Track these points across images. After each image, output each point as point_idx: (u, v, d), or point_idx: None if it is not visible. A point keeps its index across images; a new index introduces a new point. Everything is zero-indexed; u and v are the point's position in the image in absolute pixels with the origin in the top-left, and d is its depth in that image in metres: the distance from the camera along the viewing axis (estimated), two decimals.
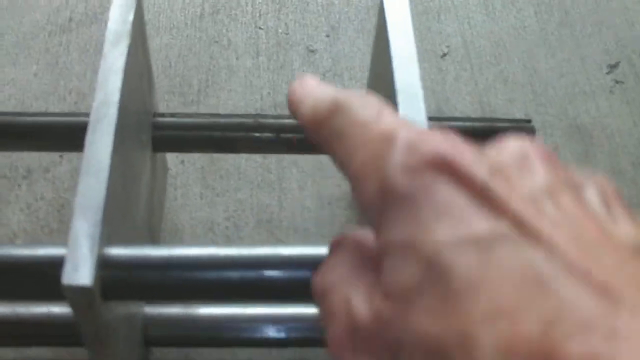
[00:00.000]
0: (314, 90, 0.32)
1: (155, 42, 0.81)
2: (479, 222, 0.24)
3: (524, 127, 0.62)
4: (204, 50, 0.82)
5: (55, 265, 0.40)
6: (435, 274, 0.23)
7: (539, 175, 0.25)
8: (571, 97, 0.80)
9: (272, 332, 0.58)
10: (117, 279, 0.42)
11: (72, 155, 0.72)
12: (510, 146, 0.26)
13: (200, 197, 0.70)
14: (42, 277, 0.43)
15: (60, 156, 0.72)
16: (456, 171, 0.25)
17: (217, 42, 0.82)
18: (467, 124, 0.62)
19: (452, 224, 0.24)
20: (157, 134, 0.59)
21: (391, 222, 0.25)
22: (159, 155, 0.63)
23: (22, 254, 0.44)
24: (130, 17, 0.52)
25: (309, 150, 0.62)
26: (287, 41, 0.83)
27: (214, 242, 0.68)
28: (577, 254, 0.22)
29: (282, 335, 0.58)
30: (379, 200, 0.26)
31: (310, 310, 0.57)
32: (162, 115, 0.60)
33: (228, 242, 0.68)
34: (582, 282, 0.21)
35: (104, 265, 0.42)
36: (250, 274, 0.43)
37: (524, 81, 0.81)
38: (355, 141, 0.28)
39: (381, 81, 0.55)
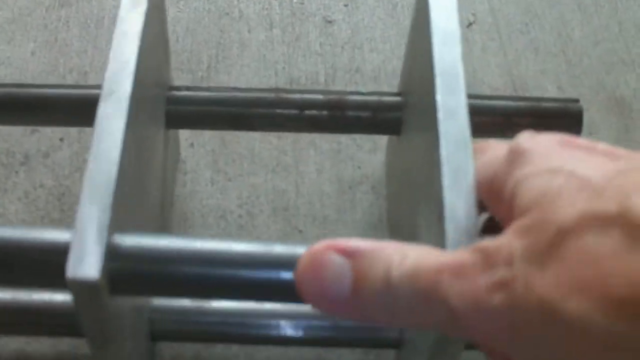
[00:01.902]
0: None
1: None
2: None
3: (571, 107, 0.57)
4: (213, 24, 0.76)
5: (60, 252, 0.36)
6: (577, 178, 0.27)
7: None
8: (609, 67, 0.75)
9: (290, 330, 0.53)
10: (126, 272, 0.38)
11: (73, 139, 0.67)
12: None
13: (211, 182, 0.65)
14: (44, 264, 0.39)
15: (61, 140, 0.67)
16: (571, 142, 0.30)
17: (227, 14, 0.77)
18: (510, 103, 0.57)
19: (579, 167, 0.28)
20: (171, 109, 0.55)
21: (520, 164, 0.30)
22: (171, 132, 0.58)
23: (23, 237, 0.39)
24: None
25: (334, 129, 0.57)
26: (302, 11, 0.77)
27: (227, 232, 0.63)
28: None
29: (300, 333, 0.53)
30: (506, 159, 0.31)
31: None
32: (178, 88, 0.56)
33: (242, 231, 0.63)
34: None
35: (113, 256, 0.37)
36: (274, 274, 0.38)
37: (556, 50, 0.76)
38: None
39: (419, 59, 0.50)
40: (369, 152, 0.67)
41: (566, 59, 0.75)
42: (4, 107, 0.56)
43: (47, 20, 0.76)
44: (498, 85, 0.73)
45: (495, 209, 0.33)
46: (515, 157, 0.30)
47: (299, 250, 0.38)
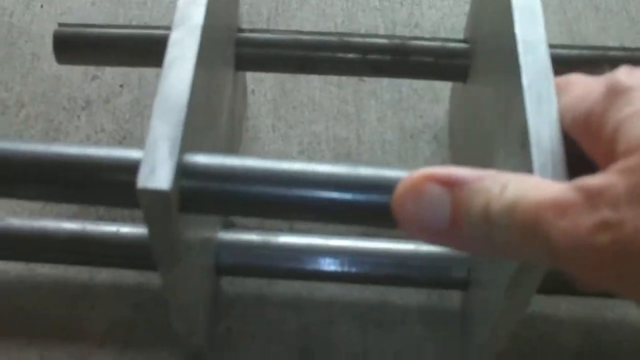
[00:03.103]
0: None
1: None
2: None
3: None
4: None
5: (132, 170, 0.36)
6: None
7: None
8: None
9: (354, 267, 0.53)
10: (196, 189, 0.37)
11: (133, 85, 0.67)
12: None
13: (273, 129, 0.65)
14: (116, 182, 0.39)
15: (121, 86, 0.67)
16: None
17: None
18: (571, 52, 0.56)
19: None
20: (239, 51, 0.55)
21: (621, 103, 0.29)
22: (240, 76, 0.58)
23: (95, 154, 0.39)
24: None
25: (397, 74, 0.57)
26: None
27: None
28: None
29: (364, 269, 0.53)
30: (604, 96, 0.30)
31: (400, 246, 0.52)
32: (245, 30, 0.56)
33: None
34: None
35: (183, 172, 0.37)
36: (347, 195, 0.37)
37: (618, 8, 0.75)
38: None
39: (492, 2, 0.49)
40: (431, 102, 0.67)
41: (629, 17, 0.74)
42: (71, 46, 0.57)
43: None
44: (558, 43, 0.72)
45: (590, 147, 0.32)
46: (615, 95, 0.30)
47: (380, 172, 0.37)
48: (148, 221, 0.36)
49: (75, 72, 0.68)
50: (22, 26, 0.72)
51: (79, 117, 0.66)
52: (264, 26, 0.72)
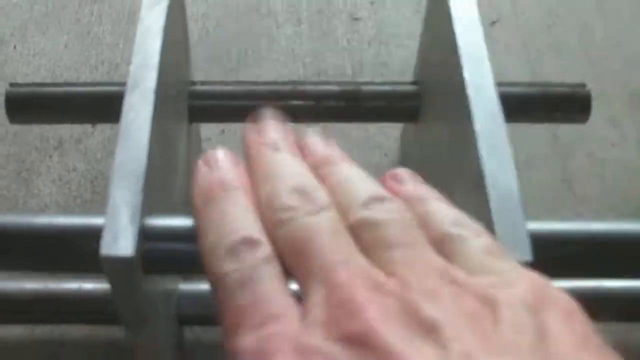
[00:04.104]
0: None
1: (192, 11, 0.77)
2: None
3: (578, 92, 0.58)
4: (242, 19, 0.78)
5: (93, 236, 0.36)
6: None
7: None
8: (632, 66, 0.76)
9: None
10: (158, 251, 0.38)
11: (105, 125, 0.68)
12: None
13: None
14: (78, 249, 0.39)
15: (93, 126, 0.68)
16: None
17: (256, 10, 0.78)
18: (519, 89, 0.57)
19: None
20: (192, 104, 0.56)
21: None
22: (194, 127, 0.59)
23: (56, 223, 0.39)
24: None
25: (351, 119, 0.58)
26: (329, 9, 0.79)
27: None
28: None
29: None
30: None
31: None
32: (195, 83, 0.57)
33: None
34: None
35: (145, 236, 0.37)
36: None
37: (578, 51, 0.77)
38: None
39: (439, 46, 0.51)
40: (397, 140, 0.68)
41: (589, 59, 0.76)
42: (24, 106, 0.57)
43: (79, 14, 0.77)
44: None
45: None
46: None
47: None
48: (113, 286, 0.37)
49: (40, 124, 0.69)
50: None
51: (51, 157, 0.67)
52: (234, 67, 0.73)
